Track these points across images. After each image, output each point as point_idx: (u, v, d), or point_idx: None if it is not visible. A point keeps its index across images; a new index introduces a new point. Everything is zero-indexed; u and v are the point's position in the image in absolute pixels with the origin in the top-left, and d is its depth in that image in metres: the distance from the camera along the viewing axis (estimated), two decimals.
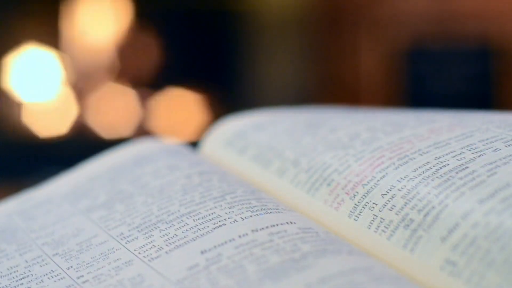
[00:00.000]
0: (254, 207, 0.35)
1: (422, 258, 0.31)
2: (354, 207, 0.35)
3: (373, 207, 0.34)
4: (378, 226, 0.33)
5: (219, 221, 0.34)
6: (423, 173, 0.34)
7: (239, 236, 0.32)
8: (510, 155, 0.34)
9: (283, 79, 1.74)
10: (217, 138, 0.46)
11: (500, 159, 0.33)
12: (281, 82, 1.74)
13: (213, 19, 1.75)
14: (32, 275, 0.34)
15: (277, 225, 0.33)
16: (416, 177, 0.34)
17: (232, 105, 1.63)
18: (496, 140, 0.35)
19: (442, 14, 1.68)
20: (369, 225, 0.33)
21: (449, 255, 0.30)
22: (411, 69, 1.71)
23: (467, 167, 0.33)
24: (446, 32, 1.69)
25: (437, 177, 0.33)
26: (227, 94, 1.75)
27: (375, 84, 1.73)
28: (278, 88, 1.73)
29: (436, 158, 0.35)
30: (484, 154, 0.34)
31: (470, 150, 0.35)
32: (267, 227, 0.33)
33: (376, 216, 0.33)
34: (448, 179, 0.33)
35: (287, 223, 0.33)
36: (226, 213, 0.35)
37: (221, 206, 0.35)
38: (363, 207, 0.34)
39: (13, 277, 0.35)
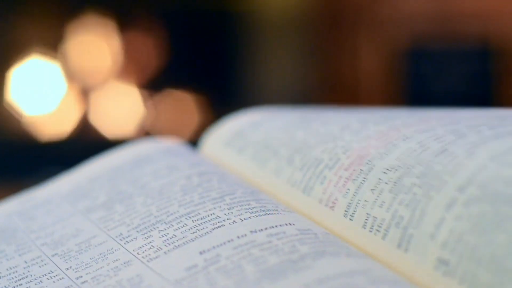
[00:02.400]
0: (253, 208, 0.35)
1: (416, 258, 0.30)
2: (348, 205, 0.34)
3: (365, 205, 0.34)
4: (373, 226, 0.33)
5: (218, 222, 0.34)
6: (406, 160, 0.34)
7: (238, 237, 0.32)
8: (491, 136, 0.33)
9: (283, 79, 1.74)
10: (216, 138, 0.46)
11: (481, 139, 0.33)
12: (281, 82, 1.74)
13: (213, 20, 1.75)
14: (31, 275, 0.34)
15: (276, 226, 0.33)
16: (401, 167, 0.33)
17: (232, 105, 1.63)
18: (481, 125, 0.34)
19: (442, 14, 1.68)
20: (364, 225, 0.33)
21: (441, 253, 0.29)
22: (411, 69, 1.71)
23: (446, 149, 0.33)
24: (446, 32, 1.69)
25: (418, 163, 0.33)
26: (227, 94, 1.75)
27: (375, 84, 1.73)
28: (278, 88, 1.73)
29: (418, 142, 0.34)
30: (466, 136, 0.33)
31: (452, 133, 0.34)
32: (266, 228, 0.33)
33: (369, 214, 0.33)
34: (429, 165, 0.32)
35: (286, 224, 0.33)
36: (225, 214, 0.35)
37: (220, 207, 0.35)
38: (356, 205, 0.34)
39: (12, 278, 0.35)
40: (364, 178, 0.35)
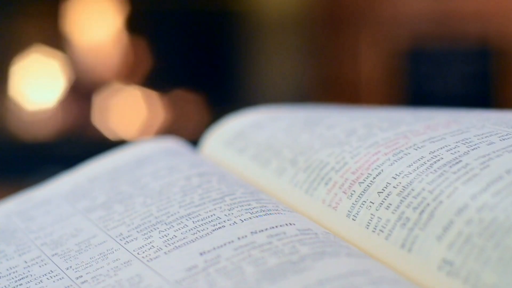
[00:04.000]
0: (253, 208, 0.35)
1: (420, 258, 0.30)
2: (352, 206, 0.35)
3: (370, 206, 0.34)
4: (376, 226, 0.33)
5: (219, 223, 0.34)
6: (417, 168, 0.34)
7: (238, 238, 0.32)
8: (504, 148, 0.33)
9: (283, 79, 1.74)
10: (217, 138, 0.46)
11: (494, 152, 0.33)
12: (281, 83, 1.74)
13: (213, 20, 1.75)
14: (31, 275, 0.34)
15: (276, 227, 0.33)
16: (411, 173, 0.34)
17: (232, 105, 1.63)
18: (491, 135, 0.35)
19: (442, 14, 1.68)
20: (367, 225, 0.33)
21: (446, 254, 0.30)
22: (411, 69, 1.71)
23: (460, 161, 0.33)
24: (446, 32, 1.69)
25: (431, 172, 0.33)
26: (227, 94, 1.75)
27: (375, 84, 1.73)
28: (278, 88, 1.73)
29: (430, 152, 0.35)
30: (478, 147, 0.34)
31: (464, 144, 0.35)
32: (266, 229, 0.33)
33: (374, 215, 0.33)
34: (442, 173, 0.33)
35: (286, 224, 0.33)
36: (225, 215, 0.35)
37: (220, 208, 0.35)
38: (360, 206, 0.34)
39: (12, 278, 0.35)
40: (372, 181, 0.35)
